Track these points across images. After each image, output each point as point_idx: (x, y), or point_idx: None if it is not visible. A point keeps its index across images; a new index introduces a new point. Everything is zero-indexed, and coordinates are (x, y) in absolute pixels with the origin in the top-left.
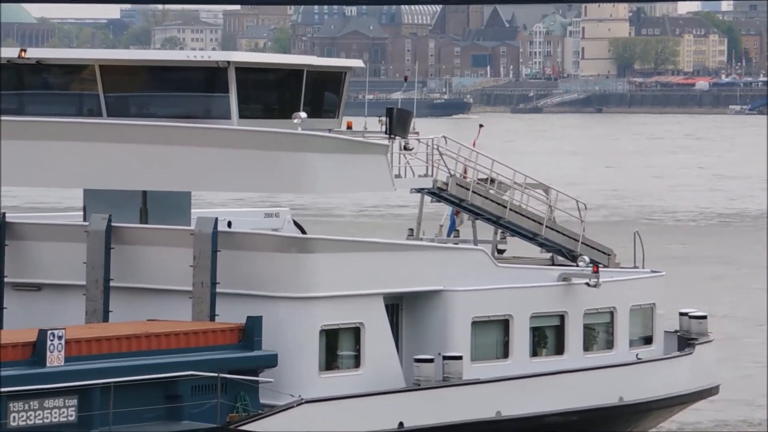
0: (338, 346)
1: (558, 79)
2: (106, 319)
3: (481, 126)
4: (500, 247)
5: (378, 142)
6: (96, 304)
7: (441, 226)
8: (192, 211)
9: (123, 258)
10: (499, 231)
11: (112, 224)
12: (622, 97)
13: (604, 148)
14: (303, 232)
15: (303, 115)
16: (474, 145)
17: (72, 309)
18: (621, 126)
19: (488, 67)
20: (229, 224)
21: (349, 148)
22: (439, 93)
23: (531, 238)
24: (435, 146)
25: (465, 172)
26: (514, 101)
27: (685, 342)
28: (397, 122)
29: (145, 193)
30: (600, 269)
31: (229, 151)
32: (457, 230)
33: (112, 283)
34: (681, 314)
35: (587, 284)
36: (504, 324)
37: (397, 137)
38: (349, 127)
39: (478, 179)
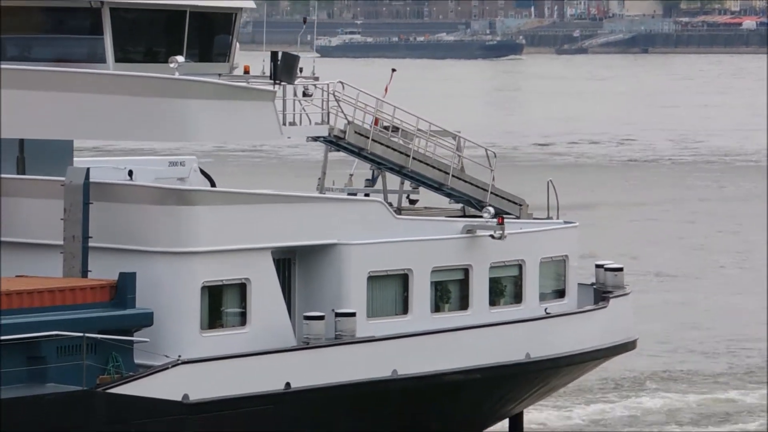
0: (222, 304)
1: (603, 19)
2: None
3: (393, 70)
4: (413, 197)
5: (263, 88)
6: None
7: (351, 175)
8: (86, 159)
9: None
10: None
11: None
12: (668, 37)
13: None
14: (211, 181)
15: (180, 59)
16: (386, 90)
17: None
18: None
19: (532, 8)
20: (130, 173)
21: (231, 94)
22: (483, 34)
23: (437, 188)
24: (332, 92)
25: (376, 122)
26: (558, 42)
27: (600, 295)
28: (283, 67)
29: (22, 141)
30: (508, 221)
31: (105, 97)
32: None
33: None
34: (597, 266)
35: (492, 236)
36: (403, 279)
37: (282, 83)
38: (247, 71)
39: (383, 127)
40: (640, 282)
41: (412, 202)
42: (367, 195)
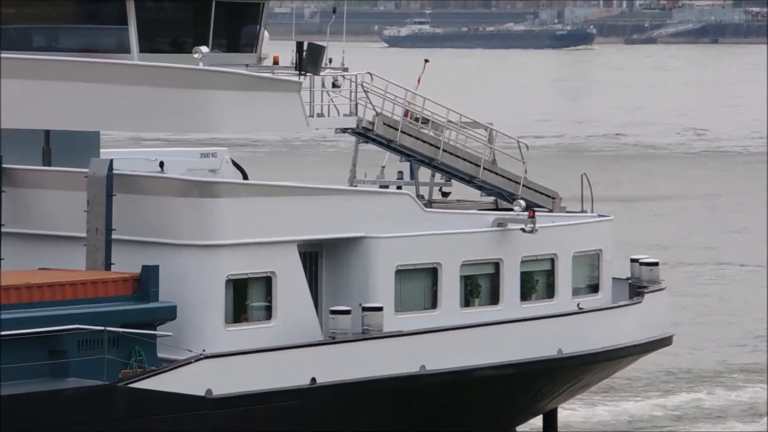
0: (247, 297)
1: (672, 9)
2: None
3: (426, 61)
4: (445, 189)
5: (289, 79)
6: None
7: (383, 167)
8: (117, 150)
9: (15, 201)
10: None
11: (3, 166)
12: (738, 27)
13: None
14: (243, 172)
15: (204, 49)
16: (419, 81)
17: None
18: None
19: None
20: (161, 165)
21: (256, 85)
22: (551, 24)
23: (468, 181)
24: (360, 83)
25: (407, 114)
26: (627, 32)
27: (635, 290)
28: (309, 58)
29: (47, 132)
30: (540, 214)
31: (129, 88)
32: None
33: (3, 229)
34: (632, 261)
35: (522, 230)
36: (432, 272)
37: (308, 74)
38: (276, 62)
39: (414, 119)
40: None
41: (445, 194)
42: (399, 188)
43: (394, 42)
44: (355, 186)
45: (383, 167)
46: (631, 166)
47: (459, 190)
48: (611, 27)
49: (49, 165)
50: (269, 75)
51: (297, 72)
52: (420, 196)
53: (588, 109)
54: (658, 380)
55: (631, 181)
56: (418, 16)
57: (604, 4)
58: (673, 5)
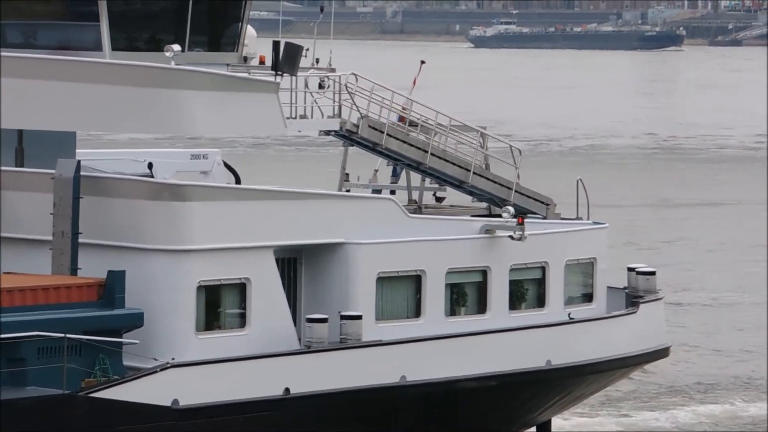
0: (220, 304)
1: (758, 11)
2: None
3: (422, 62)
4: (439, 194)
5: (265, 80)
6: None
7: (376, 171)
8: (103, 151)
9: None
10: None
11: None
12: None
13: None
14: (235, 175)
15: (176, 47)
16: (414, 83)
17: None
18: None
19: None
20: (150, 166)
21: (231, 85)
22: (635, 25)
23: (458, 186)
24: (344, 84)
25: (402, 119)
26: (712, 33)
27: (631, 300)
28: (285, 58)
29: (20, 132)
30: (532, 221)
31: (99, 87)
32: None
33: None
34: (629, 269)
35: (511, 237)
36: (416, 280)
37: (284, 74)
38: (262, 62)
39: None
40: None
41: (439, 199)
42: (393, 192)
43: (480, 42)
44: (346, 190)
45: (376, 170)
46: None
47: (455, 195)
48: (696, 29)
49: (22, 166)
50: (245, 75)
51: (273, 72)
52: (413, 201)
53: (683, 112)
54: (656, 392)
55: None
56: (504, 16)
57: (688, 5)
58: (759, 7)
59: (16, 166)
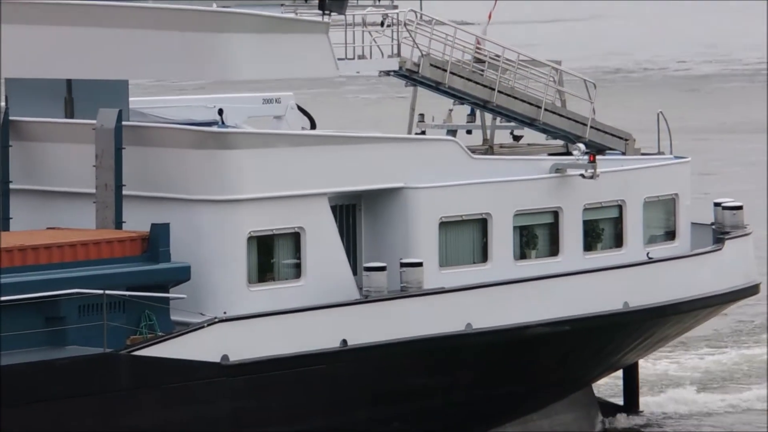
0: (273, 255)
1: None
2: (6, 227)
3: None
4: (516, 133)
5: (315, 20)
6: None
7: (450, 110)
8: (175, 98)
9: (24, 156)
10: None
11: (10, 118)
12: None
13: None
14: (311, 119)
15: None
16: (489, 17)
17: None
18: None
19: None
20: (221, 112)
21: (278, 27)
22: None
23: (529, 124)
24: (402, 22)
25: (477, 42)
26: None
27: (717, 236)
28: None
29: (69, 81)
30: (608, 158)
31: (142, 32)
32: None
33: (12, 185)
34: (715, 204)
35: (582, 176)
36: (481, 224)
37: (332, 13)
38: None
39: (477, 60)
40: None
41: (516, 138)
42: (468, 132)
43: None
44: (421, 132)
45: (451, 110)
46: None
47: (533, 134)
48: None
49: (72, 117)
50: (292, 15)
51: (320, 12)
52: (486, 140)
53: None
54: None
55: None
56: None
57: None
58: None
59: (66, 117)
